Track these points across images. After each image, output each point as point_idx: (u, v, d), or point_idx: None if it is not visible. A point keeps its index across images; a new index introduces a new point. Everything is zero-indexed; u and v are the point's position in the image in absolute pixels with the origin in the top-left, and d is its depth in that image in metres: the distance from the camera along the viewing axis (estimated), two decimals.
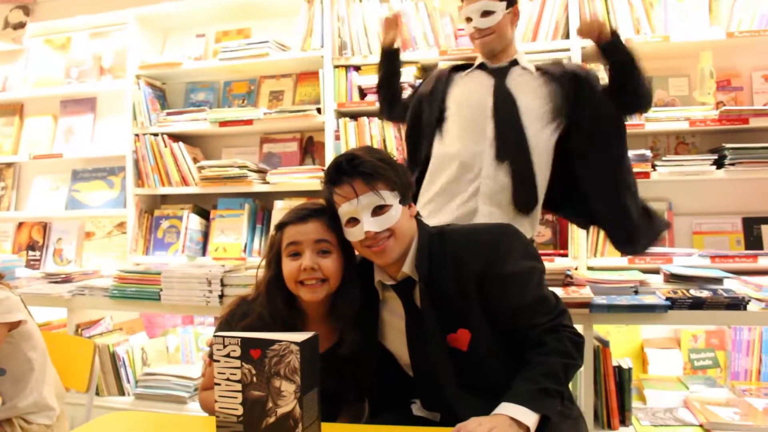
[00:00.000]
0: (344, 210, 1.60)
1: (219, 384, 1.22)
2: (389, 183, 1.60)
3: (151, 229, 3.58)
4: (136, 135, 3.52)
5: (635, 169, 2.78)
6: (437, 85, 2.37)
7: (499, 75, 2.27)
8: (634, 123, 2.86)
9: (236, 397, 1.21)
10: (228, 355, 1.21)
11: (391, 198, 1.59)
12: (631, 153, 2.79)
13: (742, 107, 2.84)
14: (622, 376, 2.44)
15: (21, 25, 3.92)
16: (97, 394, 2.90)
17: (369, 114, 3.16)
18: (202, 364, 1.87)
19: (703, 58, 2.82)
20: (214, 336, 1.23)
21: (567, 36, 2.96)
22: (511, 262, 1.57)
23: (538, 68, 2.30)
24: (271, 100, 3.53)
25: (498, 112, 2.19)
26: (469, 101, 2.27)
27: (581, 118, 2.22)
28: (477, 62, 2.36)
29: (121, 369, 3.07)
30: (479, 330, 1.56)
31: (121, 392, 3.08)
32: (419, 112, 2.39)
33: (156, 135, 3.47)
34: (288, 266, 1.65)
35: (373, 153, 1.63)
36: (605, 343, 2.46)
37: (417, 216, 1.70)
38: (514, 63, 2.31)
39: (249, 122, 3.31)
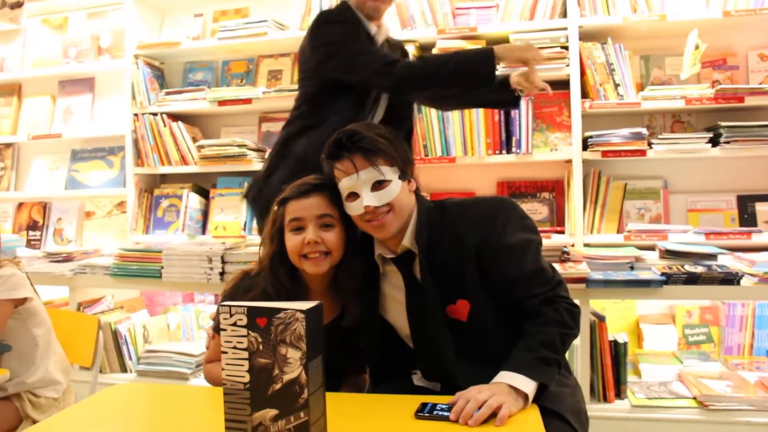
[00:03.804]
0: (344, 185, 1.63)
1: (226, 352, 1.24)
2: (389, 158, 1.62)
3: (150, 208, 3.59)
4: (135, 115, 3.52)
5: (632, 147, 2.84)
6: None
7: None
8: (631, 102, 2.89)
9: (243, 365, 1.23)
10: (234, 324, 1.23)
11: (390, 173, 1.62)
12: (626, 131, 2.85)
13: (738, 86, 2.86)
14: (618, 351, 2.49)
15: (18, 5, 3.90)
16: (100, 371, 2.93)
17: None
18: (206, 338, 1.90)
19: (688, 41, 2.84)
20: (221, 305, 1.26)
21: (564, 15, 2.97)
22: (509, 234, 1.60)
23: None
24: (269, 80, 3.54)
25: None
26: None
27: None
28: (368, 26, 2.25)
29: (123, 346, 3.11)
30: (478, 301, 1.60)
31: (124, 369, 3.12)
32: None
33: (155, 114, 3.47)
34: (291, 240, 1.67)
35: (373, 129, 1.66)
36: (601, 319, 2.50)
37: (416, 191, 1.73)
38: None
39: (248, 101, 3.32)
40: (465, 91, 2.14)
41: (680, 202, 3.05)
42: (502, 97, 2.19)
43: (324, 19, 2.18)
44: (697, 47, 2.77)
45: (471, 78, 2.03)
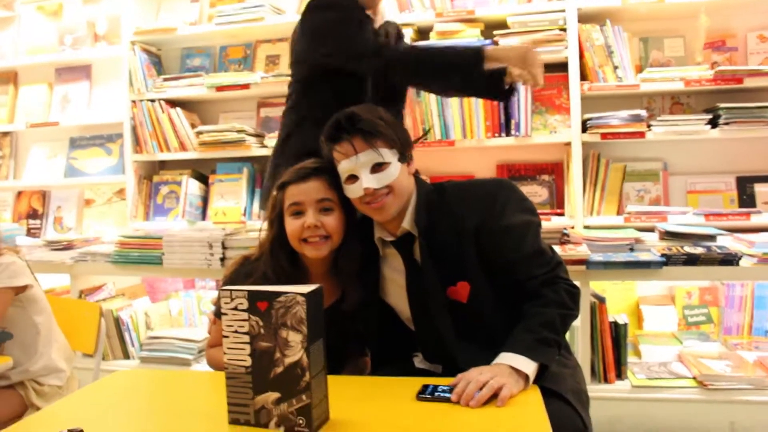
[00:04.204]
0: (344, 167, 1.63)
1: (227, 336, 1.25)
2: (388, 140, 1.62)
3: (150, 195, 3.59)
4: (133, 101, 3.51)
5: (631, 129, 2.83)
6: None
7: None
8: (630, 84, 2.88)
9: (245, 349, 1.24)
10: (236, 308, 1.24)
11: (389, 155, 1.61)
12: (626, 113, 2.85)
13: (737, 67, 2.85)
14: (618, 332, 2.50)
15: None
16: (103, 359, 2.94)
17: None
18: (208, 323, 1.91)
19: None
20: (222, 290, 1.26)
21: None
22: (508, 216, 1.60)
23: None
24: (267, 65, 3.52)
25: None
26: None
27: None
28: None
29: (125, 333, 3.12)
30: (478, 282, 1.60)
31: (126, 356, 3.13)
32: None
33: (153, 101, 3.46)
34: (291, 225, 1.67)
35: (372, 111, 1.65)
36: (602, 300, 2.51)
37: (415, 173, 1.73)
38: None
39: (246, 87, 3.30)
40: (452, 85, 2.13)
41: (679, 183, 3.05)
42: (491, 91, 2.11)
43: (316, 5, 2.16)
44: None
45: (459, 76, 2.01)
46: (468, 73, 1.99)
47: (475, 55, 1.97)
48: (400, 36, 2.46)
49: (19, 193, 3.99)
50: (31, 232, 3.84)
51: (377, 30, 2.27)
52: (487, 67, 1.98)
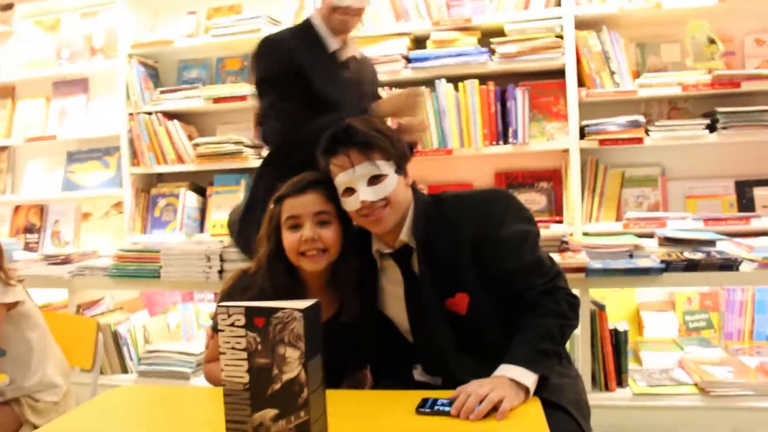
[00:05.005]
0: (340, 180, 1.62)
1: (224, 353, 1.24)
2: (385, 153, 1.61)
3: (148, 207, 3.58)
4: (130, 114, 3.51)
5: (629, 135, 2.83)
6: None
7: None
8: (627, 89, 2.88)
9: (242, 366, 1.23)
10: (232, 325, 1.23)
11: (386, 167, 1.61)
12: (623, 119, 2.84)
13: (734, 71, 2.85)
14: (619, 339, 2.48)
15: (9, 6, 3.88)
16: (101, 373, 2.92)
17: None
18: (205, 337, 1.90)
19: (692, 27, 2.83)
20: (218, 306, 1.25)
21: (559, 4, 2.95)
22: (506, 226, 1.59)
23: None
24: None
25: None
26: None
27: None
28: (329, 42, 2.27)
29: (123, 347, 3.10)
30: (477, 293, 1.59)
31: (125, 370, 3.11)
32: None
33: (150, 114, 3.46)
34: (288, 238, 1.66)
35: (368, 123, 1.65)
36: (601, 307, 2.50)
37: (413, 185, 1.72)
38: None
39: (243, 98, 3.30)
40: None
41: (678, 188, 3.05)
42: None
43: (258, 50, 2.23)
44: (713, 42, 2.77)
45: None
46: None
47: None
48: (374, 74, 2.53)
49: (17, 208, 3.98)
50: (28, 247, 3.83)
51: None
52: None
